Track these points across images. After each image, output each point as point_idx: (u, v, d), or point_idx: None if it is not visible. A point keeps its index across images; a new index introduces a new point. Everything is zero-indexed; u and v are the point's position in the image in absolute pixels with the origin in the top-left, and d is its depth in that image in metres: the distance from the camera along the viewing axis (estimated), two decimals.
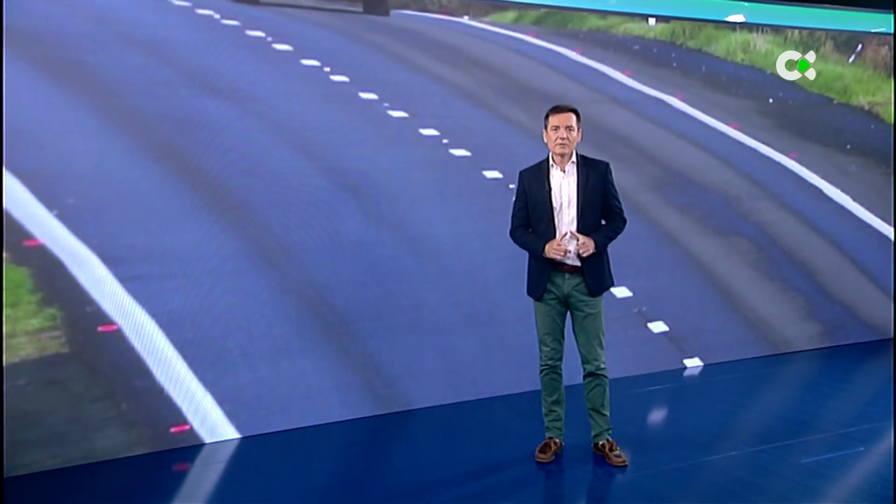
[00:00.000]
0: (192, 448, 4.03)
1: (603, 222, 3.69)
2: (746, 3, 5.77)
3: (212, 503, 3.58)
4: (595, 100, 5.27)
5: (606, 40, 5.38)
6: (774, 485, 3.44)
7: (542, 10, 5.21)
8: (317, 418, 4.33)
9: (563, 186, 3.61)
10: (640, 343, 5.29)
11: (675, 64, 5.55)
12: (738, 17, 5.75)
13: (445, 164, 4.79)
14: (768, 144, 5.83)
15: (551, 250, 3.56)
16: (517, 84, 5.06)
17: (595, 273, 3.62)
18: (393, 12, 4.77)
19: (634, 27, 5.49)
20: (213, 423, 4.12)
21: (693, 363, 5.43)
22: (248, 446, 4.09)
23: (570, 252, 3.58)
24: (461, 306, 4.77)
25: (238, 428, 4.17)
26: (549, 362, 3.74)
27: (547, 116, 3.63)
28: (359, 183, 4.56)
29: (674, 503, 3.33)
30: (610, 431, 3.75)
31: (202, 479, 3.79)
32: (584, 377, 3.73)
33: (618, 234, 3.68)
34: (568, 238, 3.57)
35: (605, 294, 3.71)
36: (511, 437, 4.09)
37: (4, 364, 3.69)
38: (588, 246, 3.54)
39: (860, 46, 6.16)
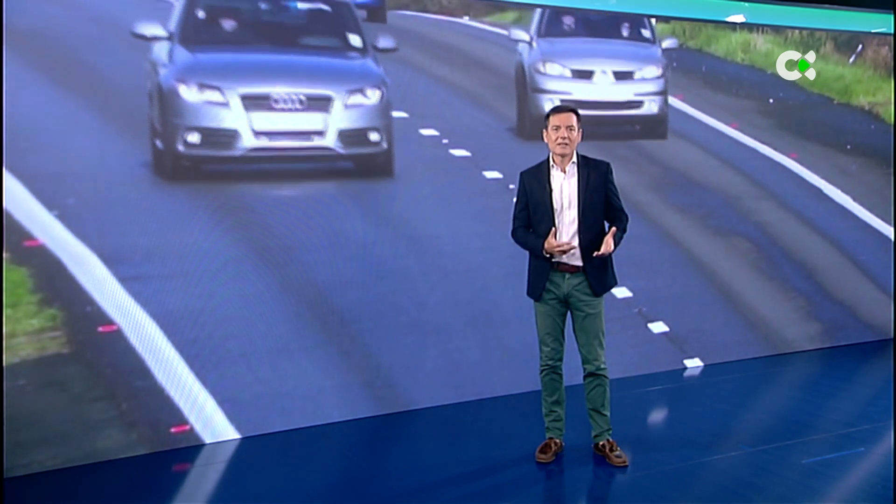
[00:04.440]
0: (192, 448, 4.03)
1: (605, 223, 3.68)
2: (746, 3, 5.76)
3: (212, 503, 3.58)
4: None
5: None
6: (774, 485, 3.44)
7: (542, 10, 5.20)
8: (317, 418, 4.33)
9: (564, 187, 3.61)
10: (640, 343, 5.29)
11: (675, 64, 5.54)
12: (738, 18, 5.75)
13: (445, 164, 4.79)
14: (768, 144, 5.83)
15: (551, 248, 3.55)
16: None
17: (598, 273, 3.62)
18: (392, 13, 4.77)
19: None
20: (213, 423, 4.12)
21: (693, 363, 5.43)
22: (249, 447, 4.09)
23: (574, 248, 3.57)
24: (461, 306, 4.77)
25: (238, 428, 4.17)
26: (550, 362, 3.74)
27: (547, 117, 3.63)
28: (359, 183, 4.56)
29: (674, 503, 3.33)
30: (610, 432, 3.75)
31: (202, 480, 3.79)
32: (585, 377, 3.73)
33: (626, 232, 3.69)
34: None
35: (605, 294, 3.71)
36: (511, 437, 4.09)
37: (4, 364, 3.69)
38: (605, 251, 3.53)
39: (860, 46, 6.15)
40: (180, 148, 4.11)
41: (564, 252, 3.56)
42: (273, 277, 4.30)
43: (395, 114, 4.67)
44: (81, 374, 3.87)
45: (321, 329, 4.40)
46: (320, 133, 4.32)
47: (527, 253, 3.74)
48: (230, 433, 4.15)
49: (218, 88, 4.15)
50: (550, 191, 3.61)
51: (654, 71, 5.24)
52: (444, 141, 4.79)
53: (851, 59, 6.14)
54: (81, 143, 3.92)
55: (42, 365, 3.81)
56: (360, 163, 4.52)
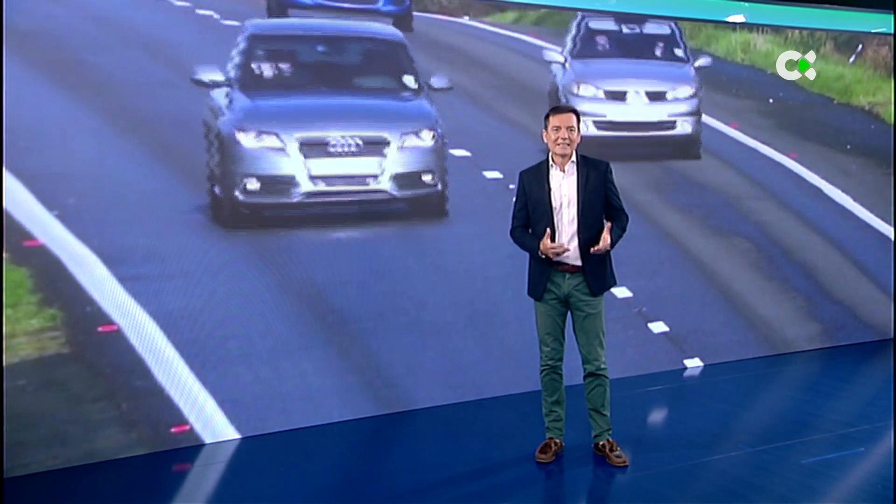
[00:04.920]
0: (192, 448, 4.03)
1: (605, 222, 3.68)
2: (746, 3, 5.76)
3: (212, 503, 3.58)
4: None
5: None
6: (774, 485, 3.44)
7: (542, 10, 5.21)
8: (317, 418, 4.33)
9: (563, 186, 3.61)
10: (641, 343, 5.29)
11: None
12: (738, 17, 5.75)
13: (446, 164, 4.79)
14: (768, 144, 5.83)
15: (547, 251, 3.55)
16: (517, 84, 5.06)
17: (597, 272, 3.62)
18: None
19: None
20: (213, 423, 4.12)
21: (693, 363, 5.43)
22: (249, 447, 4.09)
23: (568, 251, 3.57)
24: (461, 306, 4.77)
25: (238, 428, 4.17)
26: (550, 362, 3.74)
27: (547, 117, 3.63)
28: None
29: (674, 503, 3.33)
30: (610, 432, 3.75)
31: (202, 480, 3.79)
32: (585, 377, 3.73)
33: (625, 230, 3.69)
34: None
35: (605, 294, 3.70)
36: (511, 437, 4.09)
37: (4, 364, 3.69)
38: (603, 247, 3.52)
39: (860, 46, 6.15)
40: (239, 196, 4.14)
41: (558, 254, 3.56)
42: (273, 277, 4.30)
43: None
44: (81, 374, 3.87)
45: (321, 329, 4.41)
46: (376, 177, 4.34)
47: (527, 253, 3.73)
48: (230, 433, 4.15)
49: (276, 135, 4.17)
50: (549, 190, 3.61)
51: (687, 91, 5.25)
52: (445, 141, 4.79)
53: (851, 59, 6.14)
54: (81, 143, 3.93)
55: (42, 365, 3.81)
56: (414, 205, 4.54)
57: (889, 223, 6.22)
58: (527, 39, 5.14)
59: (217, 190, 4.09)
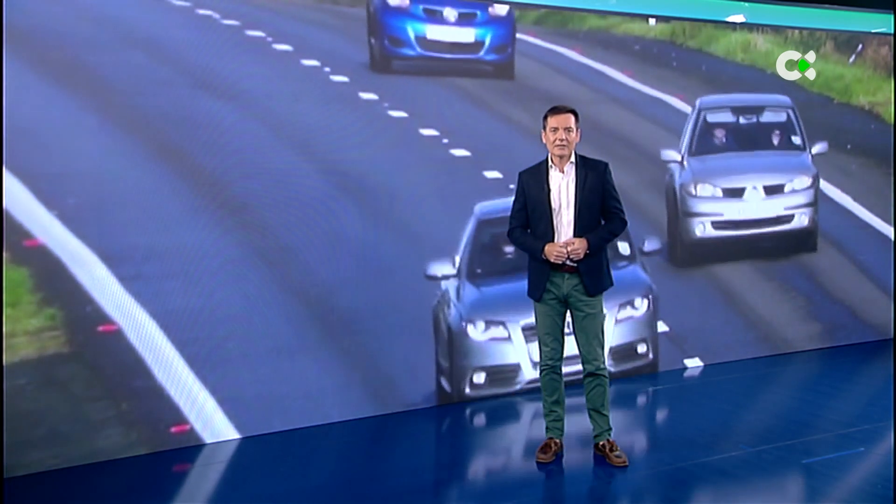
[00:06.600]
0: (192, 448, 4.03)
1: (603, 222, 3.69)
2: (746, 3, 5.76)
3: (212, 503, 3.58)
4: (595, 100, 5.26)
5: (606, 40, 5.37)
6: (774, 485, 3.44)
7: (542, 10, 5.20)
8: (317, 418, 4.33)
9: (562, 187, 3.61)
10: None
11: (675, 64, 5.54)
12: (738, 17, 5.75)
13: (445, 164, 4.79)
14: None
15: (552, 254, 3.55)
16: (517, 84, 5.06)
17: (592, 273, 3.62)
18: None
19: (634, 27, 5.48)
20: (213, 423, 4.12)
21: (693, 363, 5.43)
22: (249, 446, 4.09)
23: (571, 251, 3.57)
24: None
25: (238, 428, 4.17)
26: (549, 362, 3.74)
27: (545, 117, 3.63)
28: (359, 183, 4.55)
29: (674, 503, 3.33)
30: (610, 431, 3.75)
31: (202, 480, 3.79)
32: (584, 377, 3.73)
33: (614, 235, 3.68)
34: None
35: (604, 294, 3.70)
36: (511, 437, 4.09)
37: (4, 364, 3.69)
38: (578, 251, 3.53)
39: (860, 46, 6.15)
40: (467, 390, 4.15)
41: (562, 258, 3.55)
42: (273, 277, 4.30)
43: (395, 113, 4.67)
44: (81, 374, 3.87)
45: (321, 329, 4.40)
46: None
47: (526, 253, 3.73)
48: (230, 433, 4.16)
49: (502, 324, 4.18)
50: (548, 191, 3.61)
51: (804, 181, 5.20)
52: (445, 141, 4.79)
53: (851, 59, 6.14)
54: (81, 142, 3.93)
55: (42, 364, 3.81)
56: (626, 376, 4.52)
57: (889, 223, 6.21)
58: (527, 39, 5.14)
59: (445, 384, 4.15)
